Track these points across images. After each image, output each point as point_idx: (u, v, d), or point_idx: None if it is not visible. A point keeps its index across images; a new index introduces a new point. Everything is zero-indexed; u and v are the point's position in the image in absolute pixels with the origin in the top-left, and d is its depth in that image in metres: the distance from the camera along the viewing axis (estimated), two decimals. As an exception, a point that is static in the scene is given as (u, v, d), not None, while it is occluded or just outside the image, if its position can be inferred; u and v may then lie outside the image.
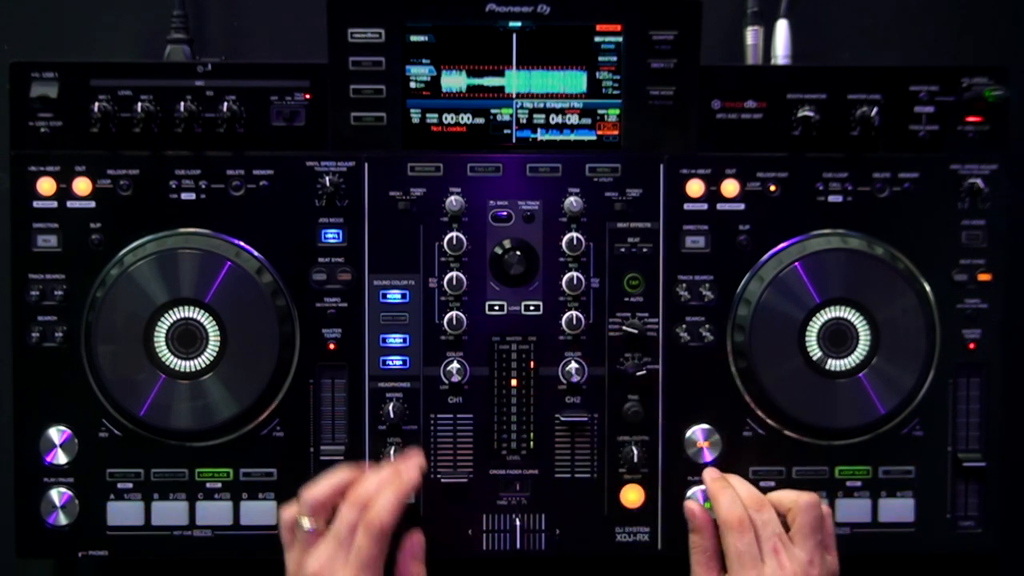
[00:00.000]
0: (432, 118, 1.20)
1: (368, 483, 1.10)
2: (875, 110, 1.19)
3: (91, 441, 1.19)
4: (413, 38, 1.19)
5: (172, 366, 1.17)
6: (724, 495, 1.13)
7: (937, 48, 1.35)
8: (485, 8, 1.19)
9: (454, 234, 1.20)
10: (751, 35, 1.29)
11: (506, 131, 1.21)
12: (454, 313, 1.20)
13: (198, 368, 1.17)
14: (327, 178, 1.19)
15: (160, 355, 1.17)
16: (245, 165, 1.19)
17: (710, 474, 1.18)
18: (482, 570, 1.24)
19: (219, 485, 1.20)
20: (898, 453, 1.22)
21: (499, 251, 1.20)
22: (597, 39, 1.20)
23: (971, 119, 1.21)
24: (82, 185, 1.18)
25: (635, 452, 1.20)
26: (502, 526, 1.21)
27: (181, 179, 1.19)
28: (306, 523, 1.09)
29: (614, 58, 1.20)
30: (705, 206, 1.21)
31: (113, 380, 1.17)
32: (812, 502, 1.12)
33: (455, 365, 1.20)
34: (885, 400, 1.19)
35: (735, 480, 1.17)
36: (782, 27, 1.28)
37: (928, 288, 1.21)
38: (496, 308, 1.21)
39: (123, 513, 1.20)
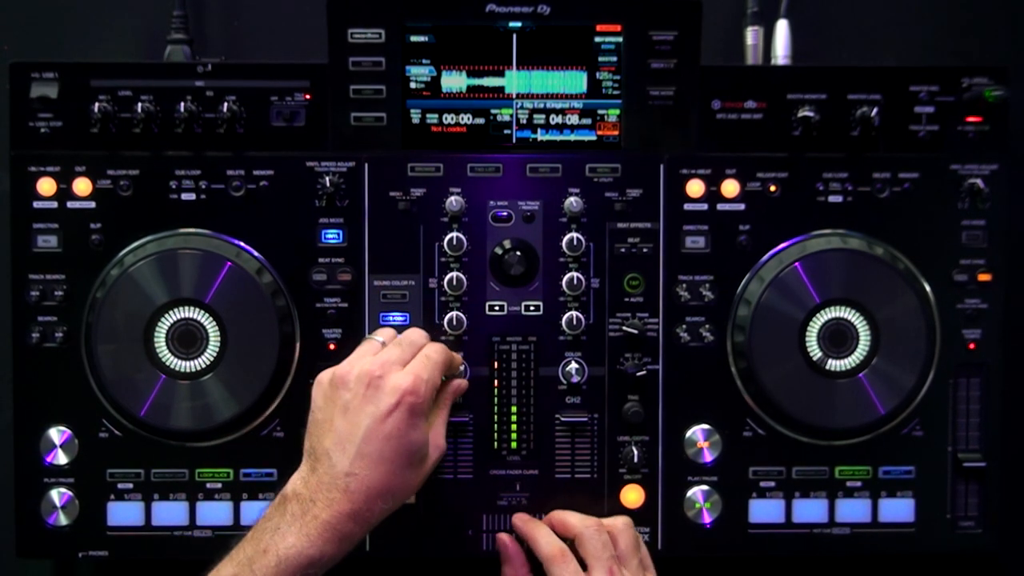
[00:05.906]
0: (432, 118, 1.20)
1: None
2: (875, 110, 1.19)
3: (91, 441, 1.19)
4: (413, 38, 1.19)
5: (172, 366, 1.17)
6: (540, 532, 1.14)
7: (937, 48, 1.35)
8: (485, 8, 1.19)
9: (454, 234, 1.19)
10: (751, 35, 1.29)
11: (506, 131, 1.21)
12: (454, 313, 1.20)
13: (198, 368, 1.17)
14: (327, 178, 1.19)
15: (160, 355, 1.17)
16: (245, 165, 1.19)
17: (520, 518, 1.18)
18: (482, 570, 1.24)
19: (219, 485, 1.20)
20: (898, 453, 1.22)
21: (499, 251, 1.20)
22: (597, 39, 1.20)
23: (971, 119, 1.21)
24: (82, 185, 1.18)
25: (635, 452, 1.20)
26: (502, 526, 1.21)
27: (181, 179, 1.19)
28: (378, 336, 1.13)
29: (614, 58, 1.20)
30: (705, 206, 1.21)
31: (113, 380, 1.17)
32: (627, 522, 1.15)
33: (455, 365, 1.20)
34: (885, 400, 1.19)
35: (557, 514, 1.17)
36: (782, 27, 1.28)
37: (928, 288, 1.21)
38: (496, 308, 1.21)
39: (123, 513, 1.20)
